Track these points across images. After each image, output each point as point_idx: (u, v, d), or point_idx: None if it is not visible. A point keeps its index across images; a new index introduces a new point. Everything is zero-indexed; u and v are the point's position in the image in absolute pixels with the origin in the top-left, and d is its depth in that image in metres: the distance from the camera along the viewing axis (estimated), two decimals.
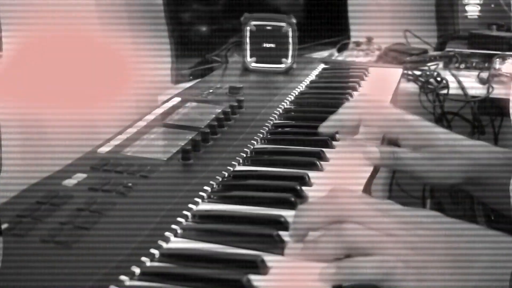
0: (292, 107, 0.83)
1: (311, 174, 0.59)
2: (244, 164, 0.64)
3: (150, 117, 0.75)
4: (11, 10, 0.84)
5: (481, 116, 1.51)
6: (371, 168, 0.62)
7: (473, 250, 0.44)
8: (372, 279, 0.43)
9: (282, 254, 0.46)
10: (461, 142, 0.65)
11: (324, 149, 0.65)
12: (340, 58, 1.53)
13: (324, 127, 0.68)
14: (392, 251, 0.43)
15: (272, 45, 0.99)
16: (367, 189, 0.60)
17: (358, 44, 1.59)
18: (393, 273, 0.42)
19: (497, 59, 1.35)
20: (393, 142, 0.67)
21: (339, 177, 0.60)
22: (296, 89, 0.90)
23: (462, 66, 1.43)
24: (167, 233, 0.48)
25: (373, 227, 0.44)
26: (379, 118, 0.66)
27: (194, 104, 0.81)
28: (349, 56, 1.54)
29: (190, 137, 0.67)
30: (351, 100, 0.72)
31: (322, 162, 0.63)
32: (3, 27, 0.57)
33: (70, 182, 0.55)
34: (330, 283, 0.43)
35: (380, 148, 0.64)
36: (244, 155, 0.65)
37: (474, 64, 1.42)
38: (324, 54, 1.56)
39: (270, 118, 0.76)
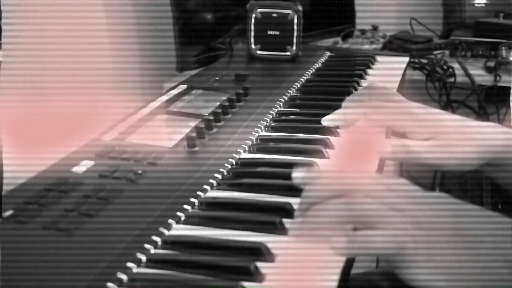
0: (298, 95, 0.82)
1: (318, 161, 0.59)
2: (250, 152, 0.63)
3: (155, 104, 0.74)
4: None
5: (487, 104, 1.50)
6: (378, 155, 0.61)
7: (480, 231, 0.43)
8: (385, 253, 0.42)
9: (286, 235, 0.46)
10: (471, 124, 0.64)
11: (329, 137, 0.65)
12: (345, 46, 1.51)
13: (327, 121, 0.67)
14: (399, 226, 0.42)
15: (277, 33, 0.98)
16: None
17: (363, 32, 1.57)
18: (404, 247, 0.42)
19: (504, 48, 1.34)
20: (398, 135, 0.66)
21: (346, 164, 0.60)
22: (303, 76, 0.89)
23: (469, 54, 1.42)
24: (170, 220, 0.48)
25: (382, 201, 0.44)
26: (384, 117, 0.64)
27: (199, 91, 0.80)
28: (354, 44, 1.52)
29: (194, 125, 0.66)
30: (355, 93, 0.70)
31: (328, 150, 0.62)
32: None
33: (79, 169, 0.55)
34: (342, 255, 0.42)
35: (391, 142, 0.62)
36: (250, 143, 0.64)
37: (480, 53, 1.40)
38: (329, 42, 1.54)
39: (275, 105, 0.75)
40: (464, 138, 0.62)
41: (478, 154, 0.62)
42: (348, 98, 0.68)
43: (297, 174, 0.49)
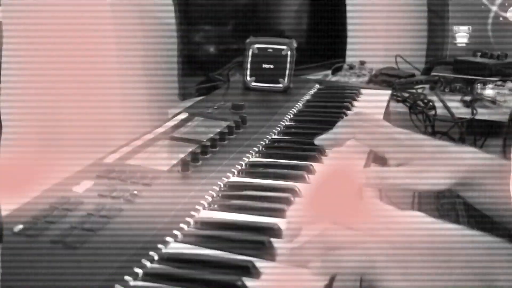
0: (292, 123, 0.83)
1: (301, 186, 0.60)
2: (239, 176, 0.64)
3: (158, 130, 0.75)
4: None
5: (467, 136, 1.51)
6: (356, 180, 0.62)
7: (453, 250, 0.43)
8: (355, 271, 0.43)
9: (273, 260, 0.46)
10: (447, 149, 0.64)
11: (313, 163, 0.66)
12: (334, 79, 1.53)
13: (319, 140, 0.69)
14: (372, 245, 0.43)
15: (271, 66, 0.99)
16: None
17: (351, 66, 1.60)
18: (375, 266, 0.42)
19: (478, 84, 1.36)
20: (380, 159, 0.67)
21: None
22: (294, 107, 0.90)
23: (447, 89, 1.44)
24: (168, 238, 0.49)
25: (353, 226, 0.44)
26: (369, 136, 0.66)
27: (200, 119, 0.81)
28: (342, 77, 1.55)
29: (191, 150, 0.67)
30: (345, 118, 0.72)
31: (310, 175, 0.63)
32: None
33: (79, 188, 0.56)
34: (319, 276, 0.43)
35: (365, 171, 0.64)
36: (239, 168, 0.65)
37: (457, 88, 1.42)
38: (320, 74, 1.56)
39: (269, 133, 0.76)
40: (438, 162, 0.62)
41: (449, 174, 0.62)
42: (339, 122, 0.70)
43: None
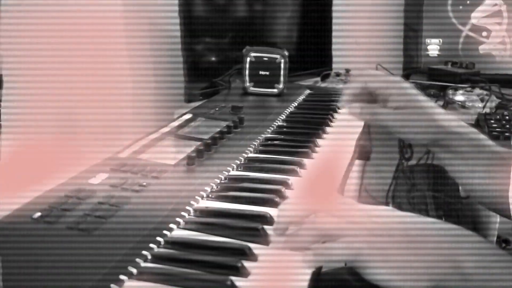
0: (284, 124, 0.82)
1: (292, 179, 0.59)
2: (238, 170, 0.63)
3: (165, 129, 0.74)
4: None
5: None
6: (340, 176, 0.61)
7: (425, 234, 0.43)
8: (344, 259, 0.42)
9: (267, 244, 0.45)
10: (435, 110, 0.63)
11: (303, 159, 0.65)
12: (323, 85, 1.53)
13: (343, 102, 0.65)
14: (356, 233, 0.42)
15: (267, 73, 0.99)
16: (339, 190, 0.59)
17: (338, 74, 1.59)
18: (361, 253, 0.42)
19: (450, 90, 1.35)
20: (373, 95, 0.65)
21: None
22: (287, 109, 0.89)
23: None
24: (171, 225, 0.47)
25: (337, 215, 0.44)
26: (378, 83, 0.64)
27: (203, 119, 0.80)
28: (330, 83, 1.54)
29: (195, 146, 0.66)
30: (356, 73, 0.69)
31: (301, 170, 0.62)
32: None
33: (94, 180, 0.55)
34: (311, 267, 0.42)
35: (361, 105, 0.62)
36: (238, 162, 0.64)
37: (432, 93, 1.42)
38: (311, 81, 1.55)
39: (264, 132, 0.76)
40: (424, 114, 0.61)
41: (430, 130, 0.61)
42: (352, 77, 0.68)
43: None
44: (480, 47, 1.54)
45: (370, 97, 0.64)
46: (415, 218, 0.45)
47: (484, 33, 1.53)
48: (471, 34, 1.54)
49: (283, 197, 0.54)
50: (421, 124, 0.61)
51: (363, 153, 0.67)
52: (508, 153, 0.62)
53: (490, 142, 0.63)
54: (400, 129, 0.62)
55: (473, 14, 1.52)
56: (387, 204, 1.52)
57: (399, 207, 1.49)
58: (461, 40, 1.56)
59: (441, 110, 0.64)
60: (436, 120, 0.61)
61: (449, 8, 1.54)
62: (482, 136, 0.64)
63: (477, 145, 0.62)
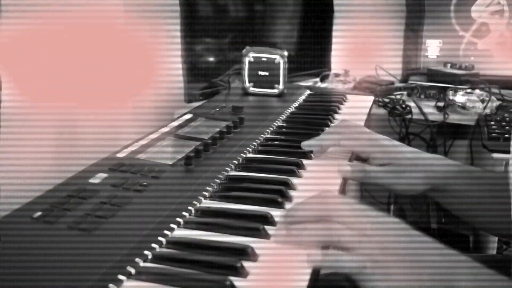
0: (284, 124, 0.82)
1: (292, 179, 0.59)
2: (236, 170, 0.63)
3: (164, 129, 0.74)
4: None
5: (437, 137, 1.51)
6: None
7: (425, 258, 0.44)
8: (349, 272, 0.43)
9: (268, 242, 0.45)
10: (421, 156, 0.64)
11: (302, 160, 0.65)
12: (322, 86, 1.53)
13: (306, 145, 0.67)
14: (365, 251, 0.43)
15: (266, 73, 0.99)
16: (342, 191, 0.59)
17: (337, 75, 1.59)
18: (364, 272, 0.43)
19: (450, 91, 1.35)
20: (360, 158, 0.66)
21: (315, 183, 0.60)
22: (287, 110, 0.89)
23: (422, 96, 1.43)
24: (173, 225, 0.47)
25: (352, 227, 0.44)
26: (355, 143, 0.65)
27: (203, 119, 0.80)
28: (329, 84, 1.54)
29: (194, 146, 0.66)
30: (331, 126, 0.70)
31: (300, 170, 0.62)
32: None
33: (95, 180, 0.55)
34: (315, 266, 0.43)
35: (351, 164, 0.63)
36: (237, 162, 0.64)
37: (431, 94, 1.42)
38: (310, 82, 1.56)
39: (264, 133, 0.75)
40: (413, 166, 0.63)
41: (421, 180, 0.63)
42: (326, 130, 0.69)
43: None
44: (480, 48, 1.55)
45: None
46: (418, 237, 0.46)
47: (485, 35, 1.54)
48: (472, 35, 1.54)
49: (284, 197, 0.54)
50: (414, 176, 0.62)
51: (361, 157, 0.67)
52: (502, 176, 0.63)
53: (486, 174, 0.65)
54: (394, 186, 0.63)
55: (473, 8, 1.51)
56: (388, 204, 1.52)
57: (401, 208, 1.49)
58: (461, 41, 1.56)
59: (429, 155, 0.65)
60: (427, 171, 0.62)
61: (451, 8, 1.54)
62: (474, 168, 0.64)
63: (473, 183, 0.63)
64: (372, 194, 1.59)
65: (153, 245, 0.44)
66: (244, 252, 0.43)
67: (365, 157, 0.64)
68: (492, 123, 1.19)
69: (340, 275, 0.68)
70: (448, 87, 1.37)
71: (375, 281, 0.43)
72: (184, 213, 0.50)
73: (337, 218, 0.45)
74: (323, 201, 0.47)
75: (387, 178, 0.62)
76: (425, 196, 0.65)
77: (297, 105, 0.94)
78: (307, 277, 0.41)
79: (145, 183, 0.54)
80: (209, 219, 0.50)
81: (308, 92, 1.06)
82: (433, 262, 0.44)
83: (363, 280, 0.43)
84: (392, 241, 0.44)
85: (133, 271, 0.40)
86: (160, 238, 0.45)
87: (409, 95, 1.44)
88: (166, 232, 0.46)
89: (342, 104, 0.96)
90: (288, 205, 0.52)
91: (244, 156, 0.66)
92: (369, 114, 0.94)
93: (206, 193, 0.55)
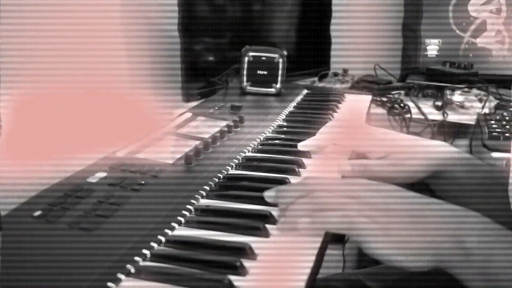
0: (284, 123, 0.82)
1: (291, 178, 0.59)
2: (236, 169, 0.63)
3: (163, 128, 0.74)
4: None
5: (438, 136, 1.51)
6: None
7: (428, 216, 0.43)
8: (339, 228, 0.43)
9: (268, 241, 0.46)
10: (419, 143, 0.64)
11: (302, 159, 0.65)
12: (321, 85, 1.53)
13: (302, 146, 0.67)
14: (354, 207, 0.43)
15: (265, 72, 0.99)
16: None
17: (335, 74, 1.59)
18: (358, 227, 0.42)
19: (448, 90, 1.36)
20: (360, 155, 0.66)
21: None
22: (287, 109, 0.89)
23: (420, 95, 1.43)
24: (173, 223, 0.48)
25: (340, 194, 0.44)
26: (349, 139, 0.65)
27: (202, 118, 0.81)
28: (328, 83, 1.54)
29: (194, 145, 0.66)
30: (326, 126, 0.70)
31: (300, 169, 0.62)
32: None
33: (93, 179, 0.55)
34: (307, 234, 0.43)
35: (350, 162, 0.63)
36: (237, 161, 0.64)
37: (430, 94, 1.42)
38: (308, 81, 1.56)
39: (264, 132, 0.76)
40: (412, 156, 0.62)
41: (422, 167, 0.62)
42: (321, 129, 0.69)
43: (268, 194, 0.50)
44: (479, 47, 1.55)
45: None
46: (418, 198, 0.45)
47: (484, 34, 1.54)
48: (471, 35, 1.54)
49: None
50: (414, 163, 0.62)
51: (361, 154, 0.67)
52: (499, 170, 0.63)
53: (487, 168, 0.64)
54: (395, 178, 0.62)
55: (469, 5, 1.52)
56: None
57: None
58: (461, 40, 1.56)
59: (428, 141, 0.64)
60: (427, 158, 0.62)
61: (450, 8, 1.54)
62: (474, 157, 0.64)
63: (472, 170, 0.63)
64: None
65: (152, 243, 0.44)
66: (243, 251, 0.43)
67: (363, 152, 0.64)
68: (492, 122, 1.19)
69: (338, 282, 0.69)
70: (446, 86, 1.37)
71: (375, 241, 0.41)
72: (184, 212, 0.50)
73: (322, 189, 0.45)
74: (307, 181, 0.48)
75: (387, 171, 0.62)
76: (421, 184, 0.64)
77: (295, 104, 0.95)
78: (306, 276, 0.41)
79: (144, 182, 0.54)
80: (208, 218, 0.50)
81: (306, 91, 1.06)
82: (439, 218, 0.43)
83: (363, 241, 0.42)
84: (389, 199, 0.44)
85: (132, 269, 0.41)
86: (159, 237, 0.45)
87: (407, 94, 1.45)
88: (165, 230, 0.46)
89: (340, 103, 0.97)
90: None
91: (244, 155, 0.67)
92: (368, 113, 0.94)
93: (206, 192, 0.55)
